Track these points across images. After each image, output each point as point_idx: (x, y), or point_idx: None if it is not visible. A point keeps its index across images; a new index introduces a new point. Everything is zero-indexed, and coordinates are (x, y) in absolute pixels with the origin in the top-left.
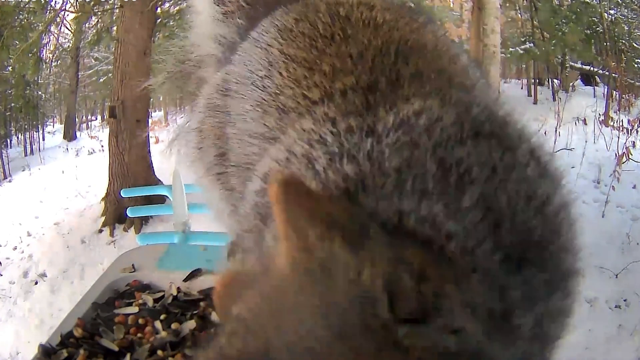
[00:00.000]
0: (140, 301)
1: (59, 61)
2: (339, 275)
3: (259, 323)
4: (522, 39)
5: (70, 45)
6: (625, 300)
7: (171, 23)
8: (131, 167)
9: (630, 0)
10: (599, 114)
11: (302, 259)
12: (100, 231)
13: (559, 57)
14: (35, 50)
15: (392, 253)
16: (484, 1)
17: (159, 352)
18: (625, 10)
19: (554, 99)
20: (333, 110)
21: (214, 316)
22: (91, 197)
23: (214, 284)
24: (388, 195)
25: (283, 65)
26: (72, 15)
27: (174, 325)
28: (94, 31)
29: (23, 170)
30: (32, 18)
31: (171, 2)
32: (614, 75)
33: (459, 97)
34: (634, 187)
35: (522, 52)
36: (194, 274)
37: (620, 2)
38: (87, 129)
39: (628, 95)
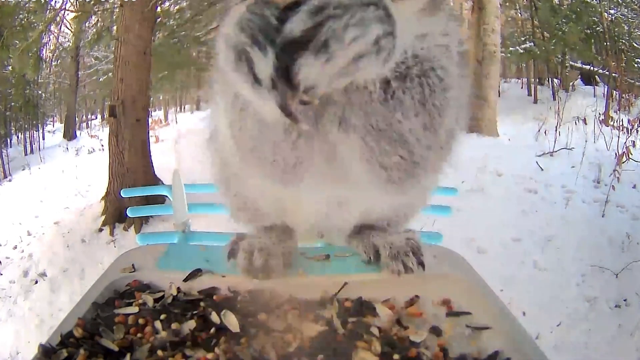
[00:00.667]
0: (140, 301)
1: (59, 60)
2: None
3: None
4: (522, 39)
5: (70, 44)
6: (625, 300)
7: (171, 22)
8: (131, 167)
9: (631, 0)
10: (599, 114)
11: None
12: (100, 230)
13: (559, 56)
14: (35, 49)
15: None
16: (484, 1)
17: (159, 352)
18: (625, 10)
19: (554, 99)
20: None
21: (214, 316)
22: (91, 197)
23: (213, 284)
24: None
25: None
26: (72, 15)
27: (174, 325)
28: (94, 30)
29: (23, 170)
30: (32, 17)
31: (171, 1)
32: (614, 74)
33: None
34: (634, 186)
35: (522, 51)
36: (194, 274)
37: (620, 2)
38: (87, 128)
39: (628, 95)
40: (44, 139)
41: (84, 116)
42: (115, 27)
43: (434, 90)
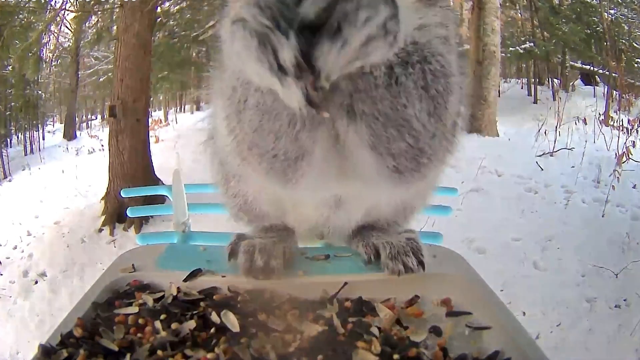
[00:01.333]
0: (140, 301)
1: (59, 61)
2: None
3: None
4: (522, 39)
5: (70, 44)
6: (625, 300)
7: (171, 22)
8: (131, 167)
9: (631, 0)
10: (599, 114)
11: None
12: (100, 230)
13: (559, 56)
14: (35, 49)
15: None
16: (484, 1)
17: (159, 352)
18: (625, 10)
19: (554, 99)
20: None
21: (214, 316)
22: (91, 197)
23: (213, 284)
24: None
25: None
26: (72, 15)
27: (174, 325)
28: (94, 30)
29: (23, 170)
30: (32, 17)
31: (171, 1)
32: (614, 75)
33: None
34: (634, 186)
35: (522, 51)
36: (194, 274)
37: (620, 2)
38: (87, 129)
39: (628, 95)
40: (44, 139)
41: (84, 116)
42: (115, 27)
43: (435, 75)
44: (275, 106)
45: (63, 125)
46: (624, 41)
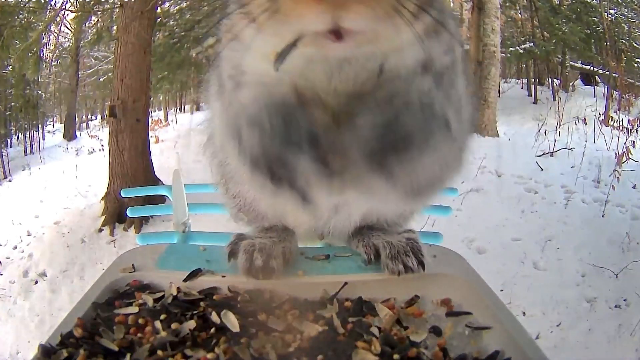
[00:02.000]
0: (140, 301)
1: (59, 61)
2: None
3: None
4: (522, 39)
5: (70, 44)
6: (625, 300)
7: (171, 23)
8: (131, 167)
9: (631, 0)
10: (599, 114)
11: None
12: (100, 230)
13: (559, 56)
14: (35, 49)
15: None
16: (484, 1)
17: (159, 352)
18: (625, 10)
19: (554, 99)
20: None
21: (214, 316)
22: (91, 197)
23: (213, 284)
24: None
25: None
26: (72, 15)
27: (174, 325)
28: (94, 30)
29: (23, 170)
30: (32, 17)
31: (171, 1)
32: (614, 75)
33: None
34: (634, 187)
35: (522, 51)
36: (194, 274)
37: (620, 2)
38: (87, 129)
39: (628, 95)
40: (44, 139)
41: (84, 116)
42: (115, 28)
43: (452, 118)
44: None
45: (63, 125)
46: (624, 41)
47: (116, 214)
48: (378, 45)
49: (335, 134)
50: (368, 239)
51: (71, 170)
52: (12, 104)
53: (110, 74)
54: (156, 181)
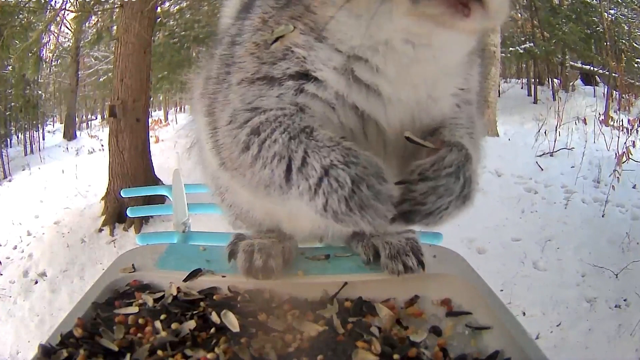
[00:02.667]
0: (140, 301)
1: (59, 61)
2: None
3: None
4: (522, 39)
5: (70, 44)
6: (625, 300)
7: (171, 22)
8: (131, 167)
9: (631, 0)
10: (599, 114)
11: None
12: (100, 230)
13: (559, 56)
14: (35, 49)
15: None
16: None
17: (159, 352)
18: (625, 10)
19: (554, 99)
20: None
21: (214, 316)
22: (91, 197)
23: (213, 284)
24: None
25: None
26: (72, 15)
27: (174, 325)
28: (94, 30)
29: (23, 170)
30: (32, 17)
31: (171, 1)
32: (614, 75)
33: None
34: (634, 187)
35: (522, 51)
36: (194, 274)
37: (620, 2)
38: (87, 129)
39: (628, 95)
40: (44, 139)
41: (84, 116)
42: (115, 27)
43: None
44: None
45: (63, 125)
46: (624, 41)
47: (116, 214)
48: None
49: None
50: (367, 239)
51: (71, 170)
52: (12, 104)
53: (110, 74)
54: (156, 181)
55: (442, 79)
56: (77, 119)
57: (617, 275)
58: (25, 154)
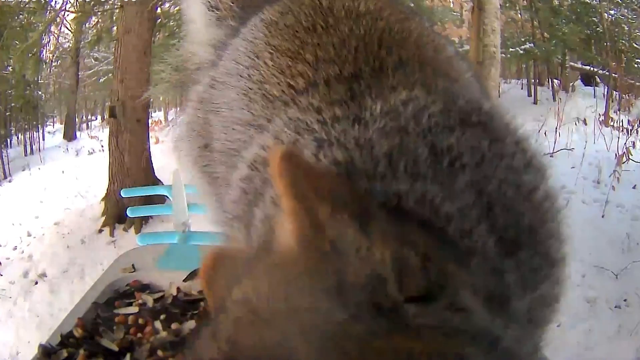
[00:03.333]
0: (140, 301)
1: (59, 61)
2: (350, 254)
3: (270, 308)
4: (522, 39)
5: (70, 45)
6: (625, 300)
7: (171, 23)
8: (131, 167)
9: (631, 0)
10: (599, 114)
11: (313, 236)
12: (100, 231)
13: (559, 57)
14: (35, 50)
15: (397, 233)
16: (484, 1)
17: (159, 352)
18: (625, 10)
19: (554, 99)
20: (318, 99)
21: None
22: (91, 197)
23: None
24: (382, 178)
25: (268, 55)
26: (72, 16)
27: (174, 325)
28: (94, 31)
29: (23, 170)
30: (32, 18)
31: (171, 2)
32: (614, 75)
33: (445, 87)
34: (634, 187)
35: (522, 52)
36: (194, 274)
37: (620, 2)
38: (87, 129)
39: (628, 96)
40: (44, 139)
41: (84, 117)
42: (115, 28)
43: None
44: None
45: (63, 125)
46: (624, 41)
47: (116, 214)
48: None
49: None
50: None
51: (71, 170)
52: (12, 104)
53: (110, 75)
54: (156, 181)
55: None
56: (77, 120)
57: (617, 275)
58: (25, 155)
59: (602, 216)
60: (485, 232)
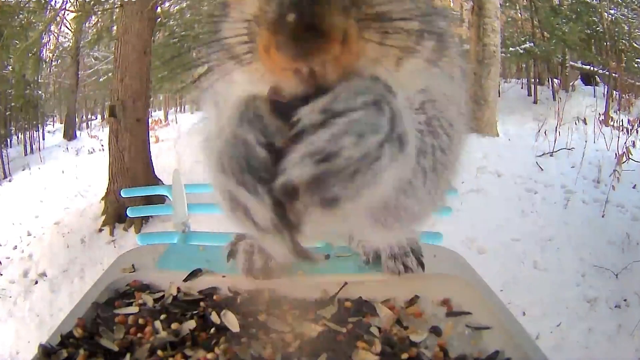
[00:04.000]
0: (140, 301)
1: (59, 61)
2: None
3: None
4: (522, 39)
5: (70, 44)
6: (625, 300)
7: (171, 23)
8: (131, 167)
9: (631, 0)
10: (599, 114)
11: None
12: (100, 231)
13: (559, 56)
14: (35, 49)
15: None
16: (484, 1)
17: (159, 352)
18: (625, 10)
19: (554, 99)
20: None
21: (214, 316)
22: (91, 197)
23: (213, 284)
24: None
25: None
26: (72, 15)
27: (174, 325)
28: (94, 31)
29: (23, 170)
30: (32, 17)
31: (171, 1)
32: (614, 75)
33: None
34: (634, 187)
35: (522, 51)
36: (194, 274)
37: (620, 2)
38: (87, 129)
39: (628, 95)
40: (44, 139)
41: (84, 116)
42: (115, 27)
43: (443, 150)
44: None
45: (63, 125)
46: (624, 41)
47: (116, 214)
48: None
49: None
50: None
51: (71, 170)
52: (12, 104)
53: (110, 74)
54: (156, 181)
55: None
56: (77, 119)
57: (617, 275)
58: (25, 154)
59: (602, 216)
60: None
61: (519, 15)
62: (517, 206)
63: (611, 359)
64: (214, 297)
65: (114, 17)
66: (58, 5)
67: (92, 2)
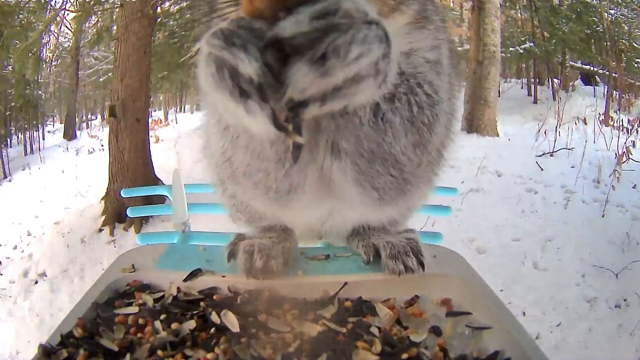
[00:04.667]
0: (140, 301)
1: (59, 61)
2: None
3: None
4: (522, 39)
5: (70, 44)
6: (625, 300)
7: (171, 22)
8: (131, 167)
9: (631, 0)
10: (599, 114)
11: None
12: (100, 230)
13: (559, 56)
14: (35, 49)
15: None
16: (484, 1)
17: (159, 352)
18: (625, 10)
19: (554, 99)
20: None
21: (214, 316)
22: (91, 197)
23: (213, 284)
24: None
25: None
26: (72, 15)
27: (174, 325)
28: (94, 30)
29: (23, 170)
30: (32, 17)
31: (171, 1)
32: (614, 75)
33: None
34: (634, 187)
35: (522, 51)
36: (194, 274)
37: (620, 2)
38: (87, 128)
39: (628, 95)
40: (44, 139)
41: (84, 116)
42: (115, 27)
43: (422, 107)
44: (264, 145)
45: (63, 125)
46: (624, 41)
47: (116, 214)
48: None
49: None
50: (368, 238)
51: (71, 170)
52: (12, 104)
53: (110, 74)
54: (156, 181)
55: None
56: (77, 119)
57: (617, 275)
58: (25, 154)
59: (602, 216)
60: None
61: (519, 15)
62: (517, 206)
63: (611, 359)
64: (214, 297)
65: (114, 17)
66: (58, 5)
67: (92, 2)
